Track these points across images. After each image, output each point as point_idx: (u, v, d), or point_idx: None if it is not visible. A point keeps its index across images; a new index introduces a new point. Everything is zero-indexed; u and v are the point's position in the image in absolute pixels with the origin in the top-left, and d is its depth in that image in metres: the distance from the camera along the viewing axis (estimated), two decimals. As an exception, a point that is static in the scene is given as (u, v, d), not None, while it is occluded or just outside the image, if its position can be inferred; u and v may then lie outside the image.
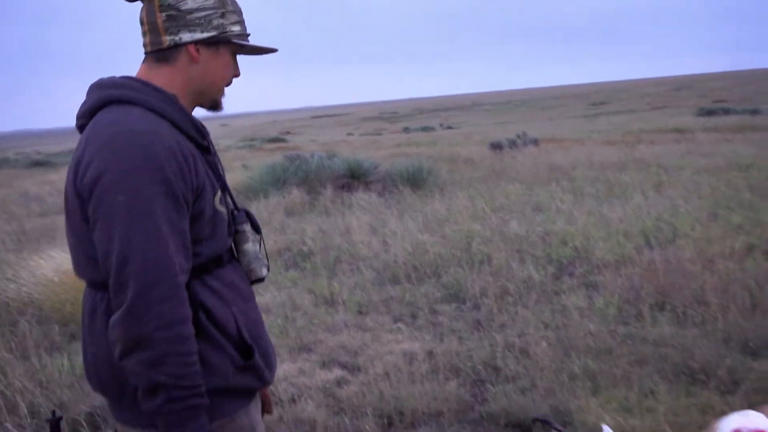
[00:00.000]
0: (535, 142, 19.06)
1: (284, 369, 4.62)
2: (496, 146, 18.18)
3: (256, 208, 10.33)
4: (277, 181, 12.28)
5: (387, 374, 4.35)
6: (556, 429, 3.25)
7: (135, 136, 1.49)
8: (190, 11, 1.61)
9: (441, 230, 7.91)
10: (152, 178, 1.46)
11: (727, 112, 28.14)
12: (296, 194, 11.19)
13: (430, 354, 4.63)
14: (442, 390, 4.05)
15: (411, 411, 3.81)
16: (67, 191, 1.57)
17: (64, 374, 4.41)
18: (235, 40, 1.67)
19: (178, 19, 1.60)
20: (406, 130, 45.40)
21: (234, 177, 14.77)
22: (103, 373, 1.62)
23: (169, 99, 1.60)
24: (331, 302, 5.98)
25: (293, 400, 4.11)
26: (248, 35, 1.72)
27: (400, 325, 5.35)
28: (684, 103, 45.90)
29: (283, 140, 38.76)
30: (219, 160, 1.75)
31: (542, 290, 5.71)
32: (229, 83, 1.73)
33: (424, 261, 6.74)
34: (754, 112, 27.17)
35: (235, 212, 1.77)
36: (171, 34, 1.61)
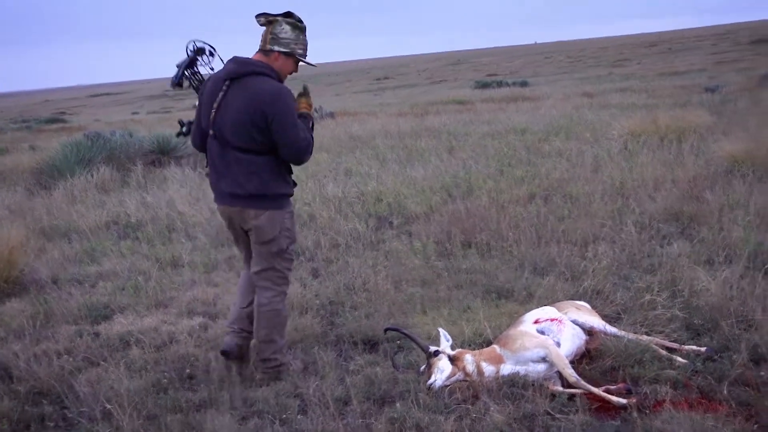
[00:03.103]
0: (332, 115, 19.93)
1: (147, 322, 5.03)
2: (294, 120, 18.77)
3: (64, 188, 10.18)
4: (81, 160, 12.04)
5: (246, 316, 4.91)
6: (404, 334, 4.05)
7: (287, 91, 3.71)
8: (282, 38, 3.76)
9: (264, 196, 8.44)
10: (293, 104, 3.76)
11: (500, 84, 30.79)
12: (105, 172, 11.10)
13: (281, 297, 5.24)
14: (300, 323, 4.71)
15: (277, 340, 4.43)
16: (247, 112, 3.69)
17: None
18: (296, 55, 3.81)
19: (276, 40, 3.77)
20: (195, 107, 44.39)
21: (23, 159, 14.14)
22: (252, 188, 3.78)
23: (278, 74, 3.79)
24: (174, 265, 6.38)
25: (166, 344, 4.56)
26: (303, 55, 3.85)
27: (245, 278, 5.90)
28: (461, 77, 49.19)
29: (63, 120, 36.39)
30: None
31: (368, 240, 6.50)
32: (289, 72, 3.87)
33: (256, 223, 7.27)
34: (524, 84, 30.11)
35: None
36: (271, 44, 3.77)
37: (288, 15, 3.75)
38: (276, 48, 3.73)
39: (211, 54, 4.21)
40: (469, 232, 6.26)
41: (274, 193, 3.85)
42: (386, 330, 4.23)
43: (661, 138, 9.83)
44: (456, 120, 15.97)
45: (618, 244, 5.64)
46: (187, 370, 4.14)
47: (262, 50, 3.75)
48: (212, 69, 4.15)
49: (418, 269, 5.55)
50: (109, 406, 3.59)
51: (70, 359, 4.35)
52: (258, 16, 3.74)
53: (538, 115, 15.58)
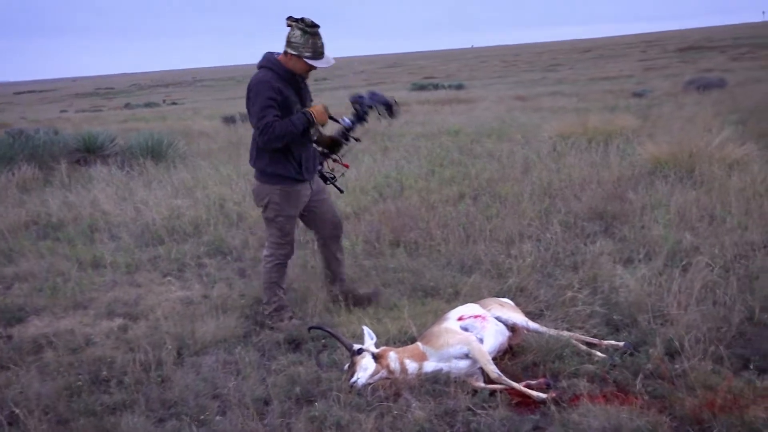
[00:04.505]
0: (267, 115, 19.71)
1: (64, 324, 4.87)
2: (229, 120, 18.50)
3: (-18, 187, 9.79)
4: (2, 158, 11.60)
5: (168, 317, 4.79)
6: (328, 332, 4.01)
7: (260, 81, 4.33)
8: (293, 42, 4.30)
9: (192, 195, 8.30)
10: (266, 93, 4.30)
11: (436, 87, 31.04)
12: (27, 170, 10.72)
13: (206, 297, 5.16)
14: (224, 323, 4.61)
15: (200, 340, 4.34)
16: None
17: None
18: (303, 57, 4.31)
19: (289, 43, 4.32)
20: (127, 105, 43.42)
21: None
22: (251, 161, 4.61)
23: (284, 69, 4.38)
24: (95, 265, 6.18)
25: (82, 346, 4.41)
26: (312, 57, 4.31)
27: (170, 278, 5.77)
28: (398, 79, 49.38)
29: (-15, 118, 35.05)
30: (308, 94, 4.62)
31: (297, 239, 6.41)
32: (303, 71, 4.42)
33: (183, 222, 7.14)
34: (459, 87, 30.46)
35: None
36: (287, 47, 4.34)
37: (301, 20, 4.28)
38: (289, 51, 4.33)
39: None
40: (399, 231, 6.26)
41: (264, 170, 4.50)
42: (310, 329, 4.18)
43: (589, 140, 10.03)
44: (391, 121, 15.98)
45: (543, 243, 5.72)
46: (103, 373, 4.00)
47: (284, 51, 4.38)
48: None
49: (347, 268, 5.50)
50: (17, 411, 3.45)
51: (-21, 363, 4.16)
52: (287, 18, 4.31)
53: (472, 117, 15.76)
